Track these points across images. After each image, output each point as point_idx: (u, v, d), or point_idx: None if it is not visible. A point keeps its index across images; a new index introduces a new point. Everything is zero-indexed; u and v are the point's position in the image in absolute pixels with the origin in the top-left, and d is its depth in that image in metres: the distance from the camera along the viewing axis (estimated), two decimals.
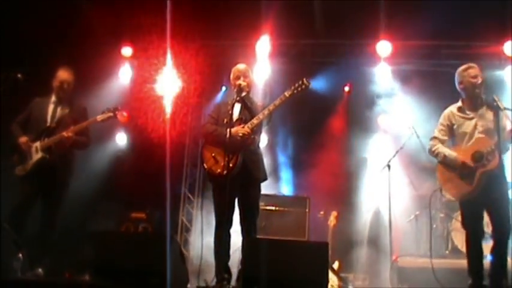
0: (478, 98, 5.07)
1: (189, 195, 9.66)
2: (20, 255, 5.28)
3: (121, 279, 4.21)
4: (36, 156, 5.62)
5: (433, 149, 5.15)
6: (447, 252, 7.29)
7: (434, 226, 7.56)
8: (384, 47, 8.66)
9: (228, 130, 4.95)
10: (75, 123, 5.72)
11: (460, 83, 5.13)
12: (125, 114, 9.45)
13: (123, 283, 4.21)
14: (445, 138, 5.15)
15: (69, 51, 7.38)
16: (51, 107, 5.83)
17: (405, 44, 8.84)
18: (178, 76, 9.62)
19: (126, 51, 9.32)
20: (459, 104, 5.16)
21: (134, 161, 9.47)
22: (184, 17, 7.95)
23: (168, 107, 9.92)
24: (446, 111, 5.23)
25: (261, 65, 8.97)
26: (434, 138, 5.21)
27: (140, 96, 9.63)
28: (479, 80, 5.01)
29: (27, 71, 5.48)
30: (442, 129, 5.19)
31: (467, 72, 5.09)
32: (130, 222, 8.39)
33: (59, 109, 5.82)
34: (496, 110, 4.81)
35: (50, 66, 6.06)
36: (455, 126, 5.11)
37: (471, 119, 5.04)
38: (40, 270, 5.40)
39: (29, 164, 5.63)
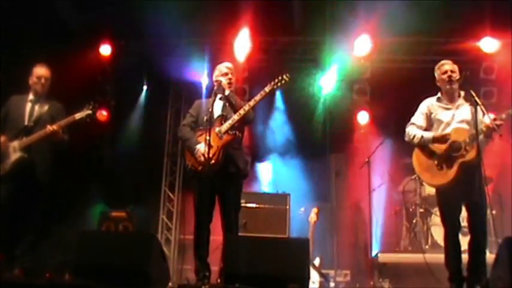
0: (454, 92, 5.18)
1: (169, 193, 9.64)
2: None
3: (102, 279, 4.18)
4: (15, 155, 5.53)
5: (410, 133, 5.21)
6: (427, 247, 7.36)
7: (414, 221, 7.64)
8: (363, 44, 8.68)
9: (207, 130, 4.93)
10: (53, 122, 5.62)
11: (436, 79, 5.29)
12: (104, 113, 9.39)
13: (104, 283, 4.18)
14: (422, 125, 5.22)
15: (47, 49, 7.27)
16: (28, 106, 5.73)
17: (385, 41, 8.89)
18: (157, 74, 9.59)
19: (105, 49, 9.21)
20: (438, 95, 5.27)
21: (114, 160, 9.40)
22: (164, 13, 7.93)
23: (147, 105, 9.91)
24: (426, 101, 5.32)
25: (240, 62, 8.94)
26: (412, 124, 5.28)
27: (120, 95, 9.58)
28: (450, 75, 5.12)
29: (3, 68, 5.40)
30: (419, 116, 5.27)
31: (440, 69, 5.25)
32: (111, 221, 8.31)
33: (36, 107, 5.74)
34: (474, 105, 4.87)
35: (27, 63, 5.97)
36: (433, 115, 5.20)
37: (449, 109, 5.15)
38: (20, 270, 5.32)
39: (7, 164, 5.53)
